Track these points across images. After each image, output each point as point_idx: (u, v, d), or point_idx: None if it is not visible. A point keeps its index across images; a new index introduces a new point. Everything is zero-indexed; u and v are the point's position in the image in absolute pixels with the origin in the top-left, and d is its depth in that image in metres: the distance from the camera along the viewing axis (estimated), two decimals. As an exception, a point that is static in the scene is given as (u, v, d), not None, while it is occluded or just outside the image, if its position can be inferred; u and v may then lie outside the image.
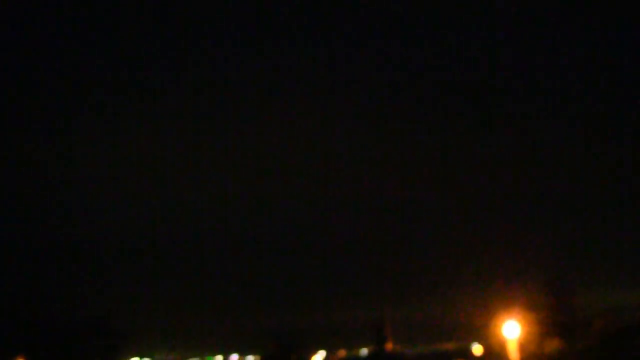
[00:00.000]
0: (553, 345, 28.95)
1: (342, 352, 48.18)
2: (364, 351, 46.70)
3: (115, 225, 43.28)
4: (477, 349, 38.70)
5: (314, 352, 45.42)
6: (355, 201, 47.65)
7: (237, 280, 44.93)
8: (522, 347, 26.16)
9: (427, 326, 42.53)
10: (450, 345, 43.56)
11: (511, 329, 25.38)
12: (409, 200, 46.65)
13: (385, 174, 48.78)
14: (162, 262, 43.44)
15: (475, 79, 48.41)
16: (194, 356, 45.52)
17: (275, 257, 46.21)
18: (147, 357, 43.29)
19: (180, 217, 45.27)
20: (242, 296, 45.03)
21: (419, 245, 45.76)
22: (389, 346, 42.74)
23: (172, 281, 43.39)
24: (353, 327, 46.53)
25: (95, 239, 41.02)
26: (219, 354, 45.98)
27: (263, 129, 49.68)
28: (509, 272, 27.73)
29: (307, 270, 46.61)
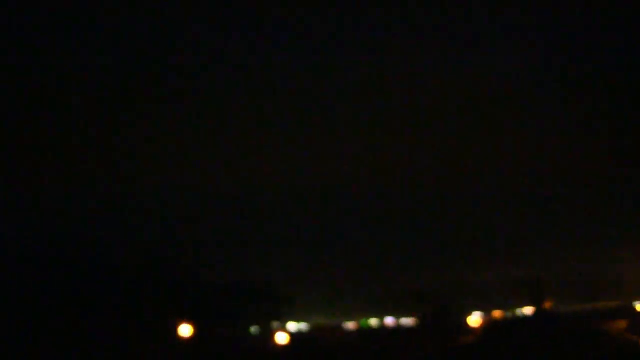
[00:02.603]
0: None
1: (498, 313, 47.58)
2: (521, 311, 46.04)
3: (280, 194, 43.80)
4: (641, 306, 37.79)
5: (469, 313, 45.02)
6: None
7: (390, 242, 44.83)
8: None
9: (587, 283, 41.65)
10: (612, 304, 42.56)
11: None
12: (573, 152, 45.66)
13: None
14: (317, 228, 43.70)
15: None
16: (350, 320, 45.74)
17: (426, 215, 45.92)
18: (303, 322, 43.73)
19: (332, 185, 45.46)
20: (396, 258, 44.92)
21: (577, 198, 44.76)
22: (548, 305, 42.00)
23: (327, 246, 43.60)
24: (507, 286, 45.92)
25: (259, 207, 41.59)
26: (374, 317, 46.07)
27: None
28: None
29: (460, 228, 46.16)
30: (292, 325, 42.70)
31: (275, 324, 39.88)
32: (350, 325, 45.94)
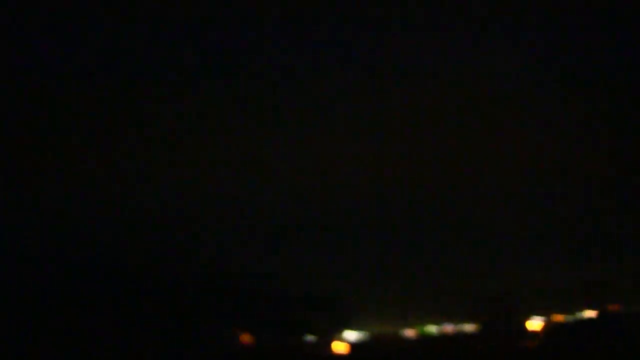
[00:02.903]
0: None
1: (559, 317, 46.50)
2: (583, 315, 44.99)
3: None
4: None
5: (529, 317, 44.20)
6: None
7: (446, 246, 43.96)
8: None
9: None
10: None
11: None
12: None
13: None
14: (374, 232, 42.93)
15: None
16: (408, 327, 44.94)
17: (484, 220, 44.92)
18: (361, 330, 42.98)
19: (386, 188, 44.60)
20: (453, 264, 44.06)
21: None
22: (615, 307, 40.96)
23: (384, 252, 42.84)
24: (568, 289, 44.99)
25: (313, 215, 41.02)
26: (433, 324, 45.27)
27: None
28: None
29: (516, 232, 45.20)
30: (351, 334, 41.98)
31: (333, 333, 39.20)
32: (409, 333, 45.18)
